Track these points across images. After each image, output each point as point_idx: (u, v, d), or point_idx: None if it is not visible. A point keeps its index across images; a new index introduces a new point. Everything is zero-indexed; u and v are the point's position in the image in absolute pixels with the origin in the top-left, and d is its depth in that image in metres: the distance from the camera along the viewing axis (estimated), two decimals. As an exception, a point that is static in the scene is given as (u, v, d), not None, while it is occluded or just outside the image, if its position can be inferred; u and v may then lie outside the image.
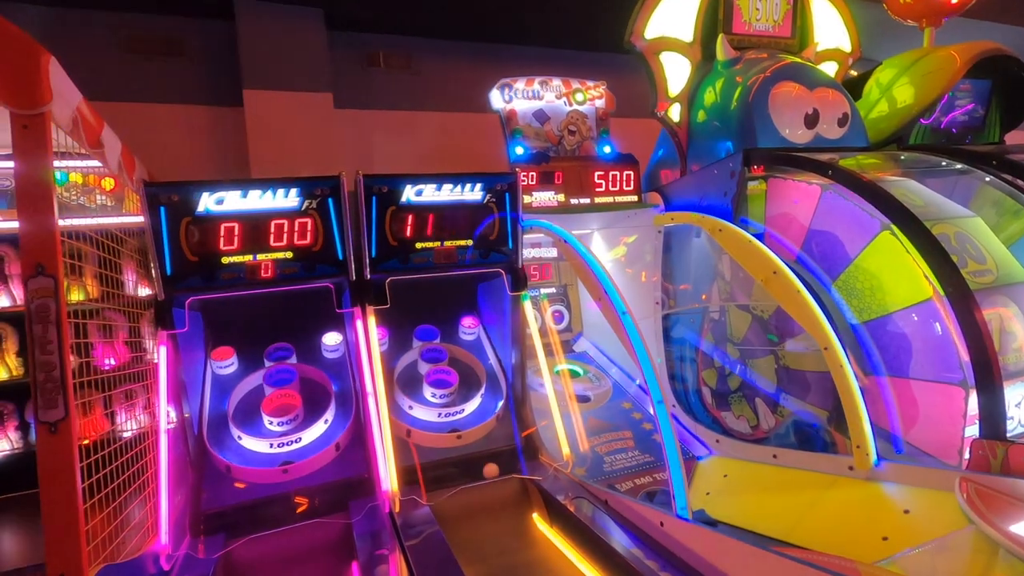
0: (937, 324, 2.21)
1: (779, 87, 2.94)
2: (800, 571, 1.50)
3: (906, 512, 1.99)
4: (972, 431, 2.13)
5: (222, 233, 2.43)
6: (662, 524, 1.99)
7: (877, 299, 2.41)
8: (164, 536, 2.07)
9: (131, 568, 1.78)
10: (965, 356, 2.09)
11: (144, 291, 2.85)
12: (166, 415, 2.26)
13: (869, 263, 2.44)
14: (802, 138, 2.99)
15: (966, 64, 3.18)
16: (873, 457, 2.20)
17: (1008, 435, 2.04)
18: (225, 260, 2.45)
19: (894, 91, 3.43)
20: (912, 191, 2.62)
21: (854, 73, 3.86)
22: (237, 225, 2.45)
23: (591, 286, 2.56)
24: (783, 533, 2.15)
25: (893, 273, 2.34)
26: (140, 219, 2.43)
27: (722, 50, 3.21)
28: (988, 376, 2.02)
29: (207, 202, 2.38)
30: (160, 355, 2.31)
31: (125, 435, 2.03)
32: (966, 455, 2.08)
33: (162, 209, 2.32)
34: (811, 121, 2.97)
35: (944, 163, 2.94)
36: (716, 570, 1.72)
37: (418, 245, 2.76)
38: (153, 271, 2.35)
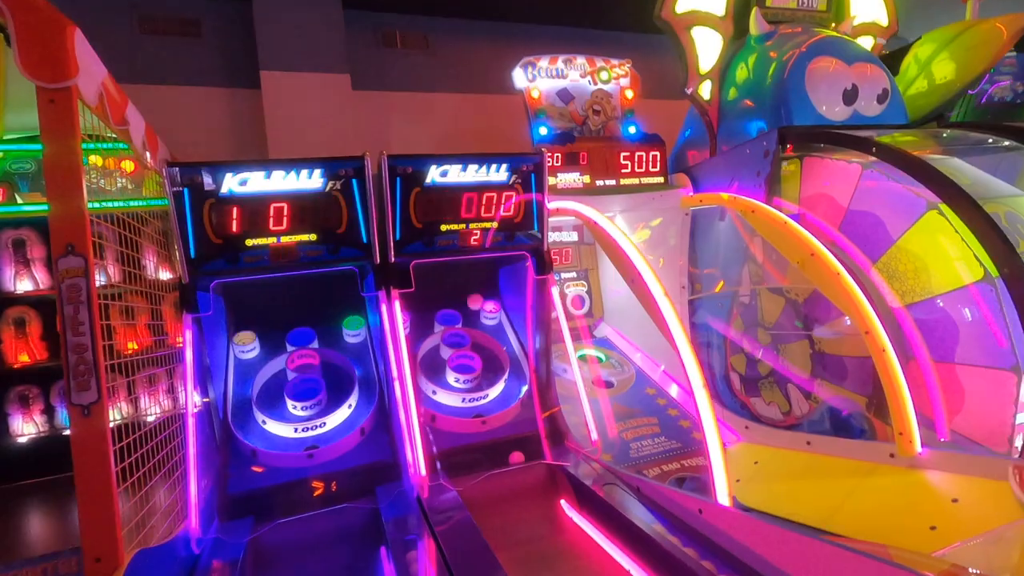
0: (988, 307, 2.12)
1: (816, 62, 2.83)
2: (856, 561, 1.45)
3: (954, 501, 1.93)
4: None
5: (246, 215, 2.39)
6: (701, 511, 1.94)
7: (921, 281, 2.32)
8: (193, 520, 2.06)
9: (163, 552, 1.76)
10: (1019, 340, 2.01)
11: (165, 275, 2.82)
12: (192, 399, 2.23)
13: (913, 244, 2.34)
14: (839, 115, 2.88)
15: (1013, 37, 3.04)
16: (917, 444, 2.14)
17: (1063, 422, 1.97)
18: (249, 243, 2.41)
19: (934, 67, 3.29)
20: (957, 169, 2.51)
21: (885, 51, 3.73)
22: (260, 207, 2.40)
23: (624, 268, 2.49)
24: (821, 521, 2.09)
25: (940, 254, 2.25)
26: (162, 202, 2.39)
27: (755, 24, 3.09)
28: (1044, 361, 1.94)
29: (231, 183, 2.34)
30: (186, 338, 2.28)
31: (150, 419, 2.00)
32: (1018, 443, 2.01)
33: (185, 190, 2.27)
34: (849, 97, 2.85)
35: (990, 140, 2.82)
36: (762, 560, 1.67)
37: (443, 227, 2.71)
38: (177, 254, 2.31)
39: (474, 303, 3.29)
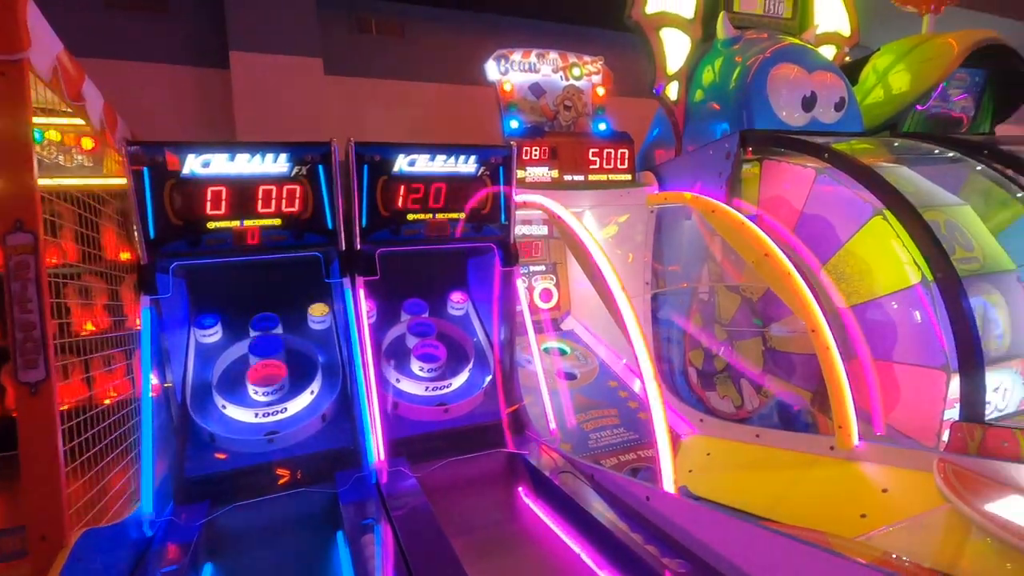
0: (924, 309, 2.25)
1: (778, 69, 2.92)
2: (784, 545, 1.53)
3: (884, 491, 2.05)
4: (951, 414, 2.18)
5: (208, 197, 2.36)
6: (648, 498, 2.02)
7: (865, 283, 2.43)
8: (148, 502, 2.05)
9: (113, 532, 1.75)
10: (949, 341, 2.13)
11: (125, 256, 2.77)
12: (147, 381, 2.21)
13: (859, 248, 2.46)
14: (799, 121, 2.98)
15: (963, 52, 3.19)
16: (854, 437, 2.25)
17: (985, 419, 2.09)
18: (211, 225, 2.39)
19: (890, 77, 3.43)
20: (904, 177, 2.63)
21: (847, 59, 3.85)
22: (224, 189, 2.37)
23: (586, 263, 2.54)
24: (764, 510, 2.19)
25: (882, 258, 2.37)
26: (121, 180, 2.35)
27: (723, 28, 3.17)
28: (971, 361, 2.06)
29: (193, 164, 2.30)
30: (143, 320, 2.25)
31: (106, 402, 1.99)
32: (944, 437, 2.14)
33: (145, 170, 2.24)
34: (808, 104, 2.96)
35: (937, 151, 2.96)
36: (700, 543, 1.75)
37: (409, 216, 2.72)
38: (136, 234, 2.28)
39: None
